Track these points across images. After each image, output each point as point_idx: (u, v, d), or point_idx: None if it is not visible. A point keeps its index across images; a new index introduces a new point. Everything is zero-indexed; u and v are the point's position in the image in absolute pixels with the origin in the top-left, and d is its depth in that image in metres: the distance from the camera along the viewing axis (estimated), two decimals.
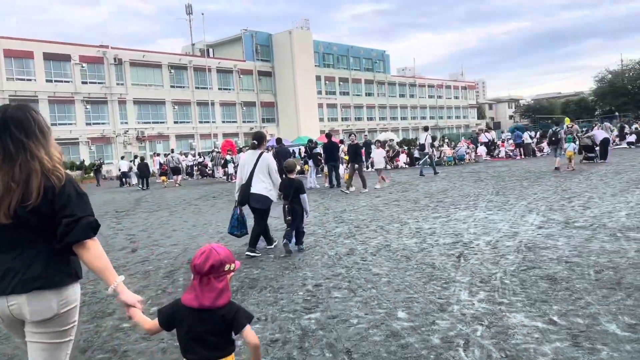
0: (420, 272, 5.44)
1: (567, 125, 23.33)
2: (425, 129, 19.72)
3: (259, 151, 7.25)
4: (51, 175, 2.20)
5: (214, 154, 31.47)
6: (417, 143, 25.60)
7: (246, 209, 7.35)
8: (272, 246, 7.40)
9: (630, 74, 72.88)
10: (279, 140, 18.59)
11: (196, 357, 2.13)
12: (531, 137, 29.32)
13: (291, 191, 6.92)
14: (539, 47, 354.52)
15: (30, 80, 42.07)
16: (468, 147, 27.52)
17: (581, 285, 4.58)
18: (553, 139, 17.37)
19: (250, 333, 2.17)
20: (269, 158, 7.32)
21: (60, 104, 43.84)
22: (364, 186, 15.06)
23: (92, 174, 34.54)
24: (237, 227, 7.18)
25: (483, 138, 31.60)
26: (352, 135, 17.20)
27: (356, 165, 15.57)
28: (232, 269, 2.18)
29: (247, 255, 6.86)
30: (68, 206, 2.19)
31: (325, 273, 5.72)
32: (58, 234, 2.18)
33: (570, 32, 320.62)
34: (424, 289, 4.81)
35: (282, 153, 16.39)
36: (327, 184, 17.87)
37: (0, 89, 39.52)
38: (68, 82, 44.06)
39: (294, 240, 7.03)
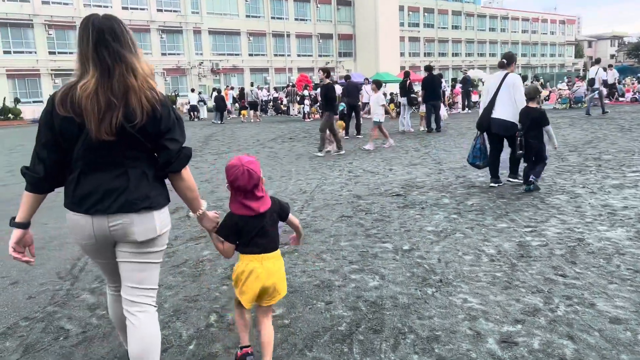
0: None
1: None
2: (597, 61, 16.55)
3: (505, 72, 6.62)
4: (150, 92, 2.02)
5: (289, 88, 29.02)
6: (587, 78, 22.02)
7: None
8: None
9: None
10: (347, 77, 16.41)
11: (258, 249, 2.37)
12: None
13: (527, 122, 6.12)
14: None
15: (107, 7, 40.91)
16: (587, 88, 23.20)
17: None
18: None
19: (293, 217, 2.57)
20: (516, 79, 6.56)
21: (136, 32, 42.42)
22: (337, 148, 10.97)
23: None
24: (479, 157, 6.77)
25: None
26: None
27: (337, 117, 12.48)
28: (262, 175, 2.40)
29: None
30: (173, 130, 2.08)
31: (504, 304, 3.15)
32: (162, 161, 2.09)
33: None
34: None
35: (350, 89, 14.86)
36: (422, 128, 15.02)
37: (78, 15, 38.69)
38: (143, 9, 42.60)
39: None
